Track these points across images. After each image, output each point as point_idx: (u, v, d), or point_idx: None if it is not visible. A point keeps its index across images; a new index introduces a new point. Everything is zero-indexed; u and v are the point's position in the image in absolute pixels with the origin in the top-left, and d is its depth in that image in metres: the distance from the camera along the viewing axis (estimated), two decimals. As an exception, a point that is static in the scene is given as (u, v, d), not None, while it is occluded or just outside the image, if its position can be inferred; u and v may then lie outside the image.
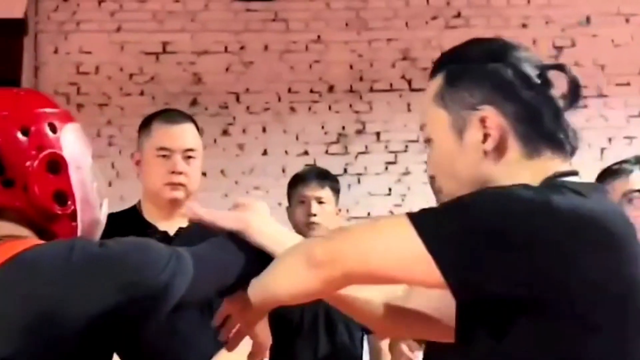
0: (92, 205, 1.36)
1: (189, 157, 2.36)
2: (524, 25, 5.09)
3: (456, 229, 1.15)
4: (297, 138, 4.93)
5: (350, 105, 4.97)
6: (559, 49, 5.08)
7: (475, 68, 1.30)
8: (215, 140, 4.86)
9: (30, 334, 1.14)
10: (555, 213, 1.14)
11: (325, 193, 3.05)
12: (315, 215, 3.01)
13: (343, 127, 4.97)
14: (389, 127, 4.96)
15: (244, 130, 4.92)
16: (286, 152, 4.92)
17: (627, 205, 2.26)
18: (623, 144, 5.06)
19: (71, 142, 1.34)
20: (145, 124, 2.43)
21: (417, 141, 4.95)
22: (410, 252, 1.17)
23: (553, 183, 1.23)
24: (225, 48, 4.98)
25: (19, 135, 1.30)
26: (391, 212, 4.90)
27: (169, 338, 2.04)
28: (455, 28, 5.06)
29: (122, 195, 4.78)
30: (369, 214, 4.88)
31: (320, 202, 3.03)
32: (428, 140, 1.32)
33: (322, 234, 1.32)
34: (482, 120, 1.26)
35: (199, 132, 2.45)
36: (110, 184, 4.84)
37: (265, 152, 4.92)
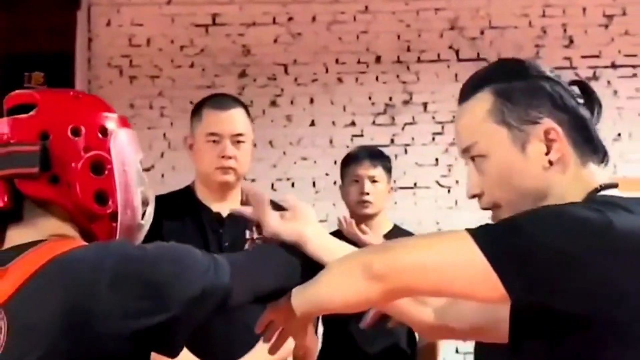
0: (134, 209, 1.41)
1: (239, 141, 2.44)
2: (575, -5, 5.03)
3: (520, 246, 1.20)
4: (344, 109, 4.96)
5: (398, 76, 4.99)
6: (609, 17, 5.01)
7: (524, 84, 1.35)
8: (263, 112, 4.92)
9: (66, 337, 1.19)
10: (617, 235, 1.20)
11: (378, 172, 3.11)
12: (368, 194, 3.08)
13: (390, 98, 4.99)
14: (436, 97, 4.96)
15: (291, 102, 4.97)
16: (333, 123, 4.97)
17: None
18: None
19: (120, 146, 1.40)
20: (196, 110, 2.53)
21: (464, 111, 4.95)
22: (473, 268, 1.22)
23: (604, 199, 1.28)
24: (274, 19, 5.02)
25: (70, 134, 1.37)
26: (437, 183, 4.94)
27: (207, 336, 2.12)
28: (503, -3, 5.02)
29: (174, 166, 4.92)
30: (415, 184, 4.92)
31: (374, 181, 3.09)
32: (478, 157, 1.36)
33: (377, 244, 1.36)
34: (546, 133, 1.33)
35: (249, 116, 2.52)
36: (162, 155, 4.96)
37: (312, 123, 4.97)
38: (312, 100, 4.98)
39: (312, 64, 4.99)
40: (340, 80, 5.00)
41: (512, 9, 5.02)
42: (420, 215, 4.77)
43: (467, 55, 5.02)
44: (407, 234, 3.26)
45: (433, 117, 4.98)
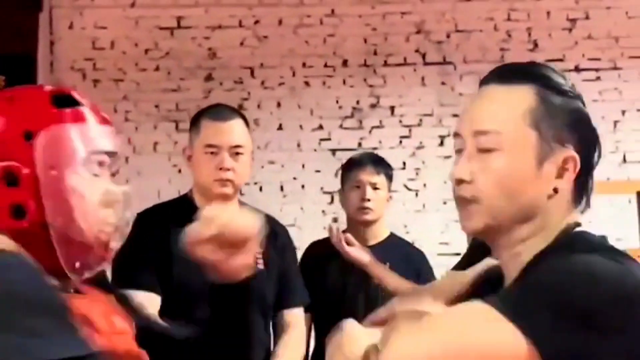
0: (70, 217, 1.30)
1: (237, 153, 2.42)
2: (539, -2, 5.08)
3: (550, 312, 1.15)
4: (311, 113, 4.94)
5: (365, 80, 4.98)
6: (573, 21, 5.07)
7: (567, 102, 1.30)
8: (230, 115, 4.88)
9: None
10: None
11: (380, 179, 3.08)
12: (369, 200, 3.03)
13: (357, 102, 4.98)
14: (403, 101, 4.97)
15: (258, 105, 4.94)
16: (301, 126, 4.94)
17: None
18: (637, 116, 5.07)
19: (49, 149, 1.30)
20: (195, 121, 2.51)
21: (431, 115, 4.97)
22: (506, 341, 1.15)
23: (604, 246, 1.27)
24: (240, 22, 4.99)
25: None
26: (405, 186, 4.94)
27: None
28: (468, 1, 5.05)
29: (139, 171, 4.84)
30: (383, 187, 4.91)
31: (375, 188, 3.06)
32: (489, 150, 1.29)
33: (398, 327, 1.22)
34: (566, 160, 1.28)
35: (247, 126, 2.50)
36: (127, 160, 4.88)
37: (280, 127, 4.94)
38: (279, 104, 4.95)
39: (279, 68, 4.96)
40: (307, 83, 4.97)
41: (477, 13, 5.05)
42: (388, 219, 4.74)
43: (433, 59, 5.03)
44: (403, 242, 3.25)
45: (400, 121, 4.98)
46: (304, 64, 4.97)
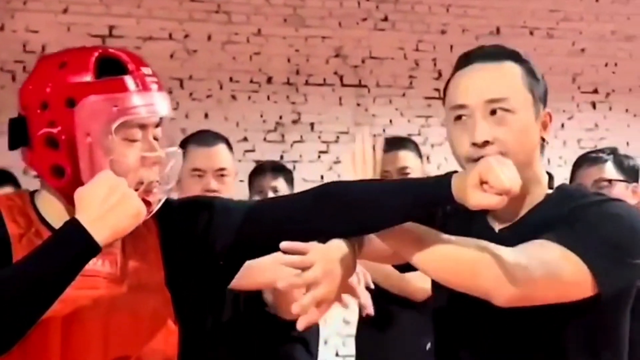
0: (89, 170, 1.40)
1: (222, 175, 2.57)
2: (443, 32, 5.58)
3: (607, 252, 1.46)
4: (237, 125, 5.18)
5: (287, 97, 5.29)
6: (473, 55, 5.59)
7: (538, 71, 1.60)
8: (159, 124, 5.03)
9: None
10: None
11: (279, 183, 3.37)
12: None
13: (280, 117, 5.28)
14: (322, 118, 5.31)
15: (186, 116, 5.12)
16: (227, 137, 5.16)
17: (596, 190, 2.48)
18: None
19: (85, 116, 1.40)
20: (181, 147, 2.62)
21: (347, 132, 5.34)
22: (578, 271, 1.45)
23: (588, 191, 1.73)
24: (170, 35, 5.18)
25: (39, 109, 1.42)
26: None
27: None
28: (382, 31, 5.48)
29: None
30: (302, 198, 5.21)
31: (276, 192, 3.34)
32: (503, 111, 1.53)
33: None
34: (546, 116, 1.59)
35: (231, 151, 2.67)
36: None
37: (207, 137, 5.14)
38: (206, 115, 5.16)
39: (207, 80, 5.18)
40: (234, 97, 5.22)
41: (389, 42, 5.49)
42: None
43: (350, 81, 5.42)
44: None
45: (319, 137, 5.31)
46: (231, 79, 5.22)
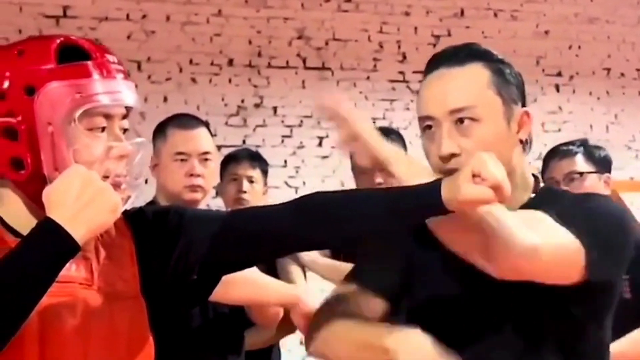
0: (67, 167, 1.31)
1: (206, 159, 2.49)
2: (407, 14, 5.48)
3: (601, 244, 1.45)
4: (198, 109, 5.02)
5: (249, 80, 5.15)
6: (437, 37, 5.52)
7: (509, 69, 1.52)
8: (116, 107, 4.87)
9: None
10: None
11: (256, 173, 3.27)
12: (245, 192, 3.20)
13: (242, 100, 5.14)
14: (285, 102, 5.19)
15: (145, 99, 4.95)
16: (187, 121, 5.01)
17: (568, 184, 2.57)
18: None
19: (47, 104, 1.31)
20: (160, 130, 2.55)
21: (310, 117, 5.22)
22: (575, 246, 1.43)
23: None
24: (127, 16, 5.00)
25: None
26: (286, 183, 5.14)
27: None
28: (346, 12, 5.36)
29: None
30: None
31: (251, 182, 3.24)
32: (469, 120, 1.47)
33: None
34: (526, 114, 1.52)
35: (211, 135, 2.59)
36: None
37: (166, 121, 4.98)
38: (165, 99, 5.00)
39: (166, 63, 5.02)
40: (194, 80, 5.06)
41: (353, 23, 5.37)
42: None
43: (313, 64, 5.29)
44: None
45: (282, 121, 5.19)
46: (190, 61, 5.06)
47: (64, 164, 1.31)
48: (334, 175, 5.10)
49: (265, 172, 3.32)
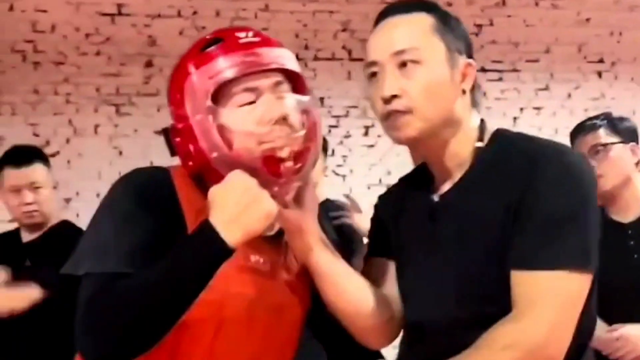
0: (218, 147, 1.40)
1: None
2: (449, 4, 5.56)
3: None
4: (247, 101, 5.19)
5: (297, 72, 5.29)
6: (479, 26, 5.62)
7: (454, 21, 1.53)
8: (170, 101, 5.05)
9: None
10: None
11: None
12: None
13: (290, 92, 5.28)
14: (332, 93, 5.33)
15: (197, 92, 5.13)
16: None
17: (594, 156, 2.60)
18: (532, 113, 5.68)
19: (191, 96, 1.43)
20: None
21: (356, 107, 5.36)
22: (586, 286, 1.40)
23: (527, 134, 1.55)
24: (179, 12, 5.18)
25: (172, 105, 1.49)
26: (334, 172, 5.29)
27: None
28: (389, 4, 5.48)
29: (80, 153, 4.93)
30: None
31: None
32: (411, 62, 1.46)
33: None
34: (469, 65, 1.51)
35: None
36: (68, 141, 4.95)
37: (218, 113, 5.16)
38: (217, 92, 5.16)
39: (216, 57, 5.18)
40: (243, 73, 5.22)
41: (396, 15, 5.49)
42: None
43: (358, 55, 5.42)
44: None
45: (329, 111, 5.33)
46: (240, 55, 5.22)
47: (216, 146, 1.39)
48: (380, 163, 5.25)
49: (325, 150, 3.46)
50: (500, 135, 1.53)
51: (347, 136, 5.34)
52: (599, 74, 5.79)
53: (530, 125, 5.63)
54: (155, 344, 1.31)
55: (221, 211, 1.32)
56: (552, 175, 1.40)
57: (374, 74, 1.52)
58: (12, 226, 3.07)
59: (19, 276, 2.78)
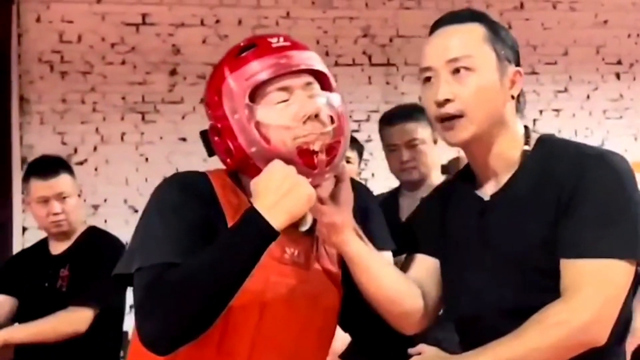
0: (256, 142, 1.48)
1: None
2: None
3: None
4: (270, 107, 5.28)
5: (318, 78, 5.37)
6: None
7: (506, 32, 1.64)
8: (194, 108, 5.14)
9: None
10: None
11: (353, 154, 3.44)
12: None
13: (311, 98, 5.36)
14: (353, 98, 5.40)
15: (220, 99, 5.22)
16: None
17: None
18: (551, 115, 5.73)
19: (229, 98, 1.51)
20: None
21: (377, 111, 5.42)
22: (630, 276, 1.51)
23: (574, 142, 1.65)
24: (202, 21, 5.28)
25: (208, 109, 1.57)
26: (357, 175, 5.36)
27: None
28: (408, 9, 5.57)
29: (107, 159, 5.03)
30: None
31: (348, 162, 3.41)
32: (465, 69, 1.56)
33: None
34: (517, 73, 1.62)
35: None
36: (95, 149, 5.06)
37: (241, 120, 5.25)
38: (240, 98, 5.25)
39: (239, 65, 5.27)
40: (266, 80, 5.31)
41: (415, 20, 5.56)
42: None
43: (378, 61, 5.50)
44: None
45: (350, 116, 5.32)
46: (262, 62, 5.30)
47: (255, 141, 1.48)
48: (401, 167, 5.31)
49: (360, 154, 3.53)
50: (546, 139, 1.65)
51: (369, 140, 5.40)
52: (617, 76, 5.84)
53: (550, 128, 5.68)
54: (209, 327, 1.38)
55: (265, 197, 1.40)
56: (599, 174, 1.51)
57: (428, 79, 1.62)
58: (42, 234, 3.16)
59: (67, 294, 2.87)
